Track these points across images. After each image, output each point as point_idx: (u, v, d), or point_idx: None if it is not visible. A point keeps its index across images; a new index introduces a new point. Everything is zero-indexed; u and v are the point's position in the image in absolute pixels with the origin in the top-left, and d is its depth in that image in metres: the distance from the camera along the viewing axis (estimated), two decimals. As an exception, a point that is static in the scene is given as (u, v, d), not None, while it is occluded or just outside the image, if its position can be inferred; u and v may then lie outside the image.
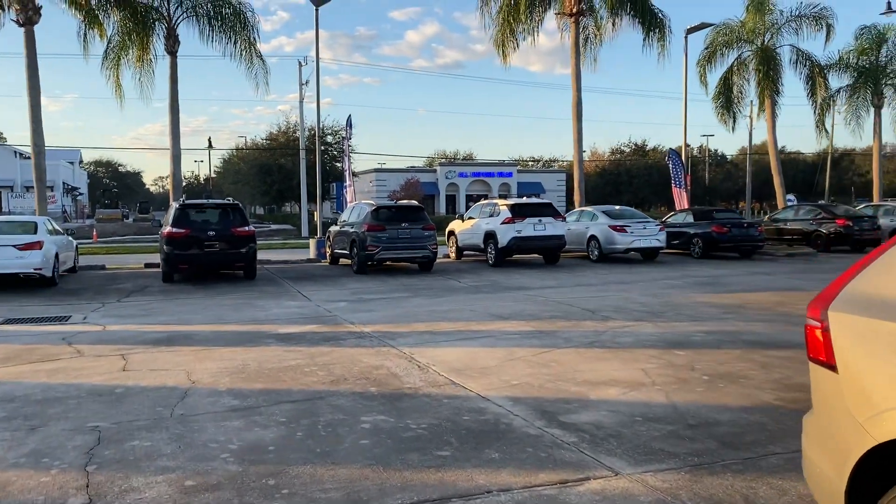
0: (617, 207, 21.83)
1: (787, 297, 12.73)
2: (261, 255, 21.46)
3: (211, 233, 15.88)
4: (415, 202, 19.39)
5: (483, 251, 19.78)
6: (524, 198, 21.06)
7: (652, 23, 25.46)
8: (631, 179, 70.66)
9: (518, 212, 18.83)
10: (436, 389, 6.49)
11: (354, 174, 28.23)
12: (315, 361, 7.72)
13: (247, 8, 21.84)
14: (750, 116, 29.49)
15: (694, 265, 19.33)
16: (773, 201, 74.90)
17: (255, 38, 21.95)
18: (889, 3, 32.93)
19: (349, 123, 25.41)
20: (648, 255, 20.80)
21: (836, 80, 31.88)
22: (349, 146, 25.63)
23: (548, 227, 18.87)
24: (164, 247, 15.83)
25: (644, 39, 25.72)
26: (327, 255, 20.77)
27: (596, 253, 20.21)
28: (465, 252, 21.49)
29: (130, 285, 15.64)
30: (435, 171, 65.43)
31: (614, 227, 19.82)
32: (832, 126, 31.63)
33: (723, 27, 29.72)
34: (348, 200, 23.70)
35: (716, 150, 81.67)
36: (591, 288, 14.51)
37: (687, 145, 30.69)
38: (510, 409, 5.80)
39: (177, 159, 22.14)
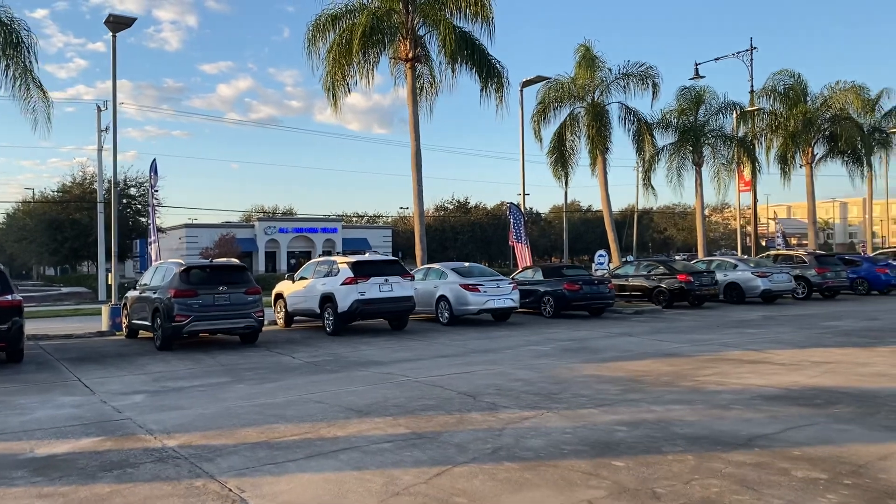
0: (466, 264, 19.88)
1: (675, 364, 11.29)
2: (40, 326, 17.54)
3: (-43, 305, 12.05)
4: (235, 260, 16.26)
5: (319, 317, 16.98)
6: (366, 253, 18.55)
7: (490, 73, 24.44)
8: (456, 236, 71.00)
9: (361, 271, 16.27)
10: (292, 580, 3.83)
11: (161, 229, 24.42)
12: (82, 521, 4.76)
13: (21, 25, 17.68)
14: (566, 175, 29.62)
15: (550, 326, 17.80)
16: (582, 256, 78.56)
17: (31, 63, 17.81)
18: (696, 70, 35.05)
19: (154, 170, 21.65)
20: (501, 316, 19.00)
21: (662, 139, 32.86)
22: (154, 197, 21.84)
23: (395, 287, 16.48)
24: None
25: (482, 91, 24.58)
26: (123, 326, 16.99)
27: (446, 315, 18.05)
28: (297, 318, 18.58)
29: None
30: (253, 226, 61.16)
31: (466, 286, 17.83)
32: (638, 183, 32.13)
33: (554, 82, 29.60)
34: (153, 259, 19.91)
35: (531, 208, 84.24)
36: (455, 360, 12.32)
37: (509, 203, 30.00)
38: None
39: (-76, 210, 17.47)
